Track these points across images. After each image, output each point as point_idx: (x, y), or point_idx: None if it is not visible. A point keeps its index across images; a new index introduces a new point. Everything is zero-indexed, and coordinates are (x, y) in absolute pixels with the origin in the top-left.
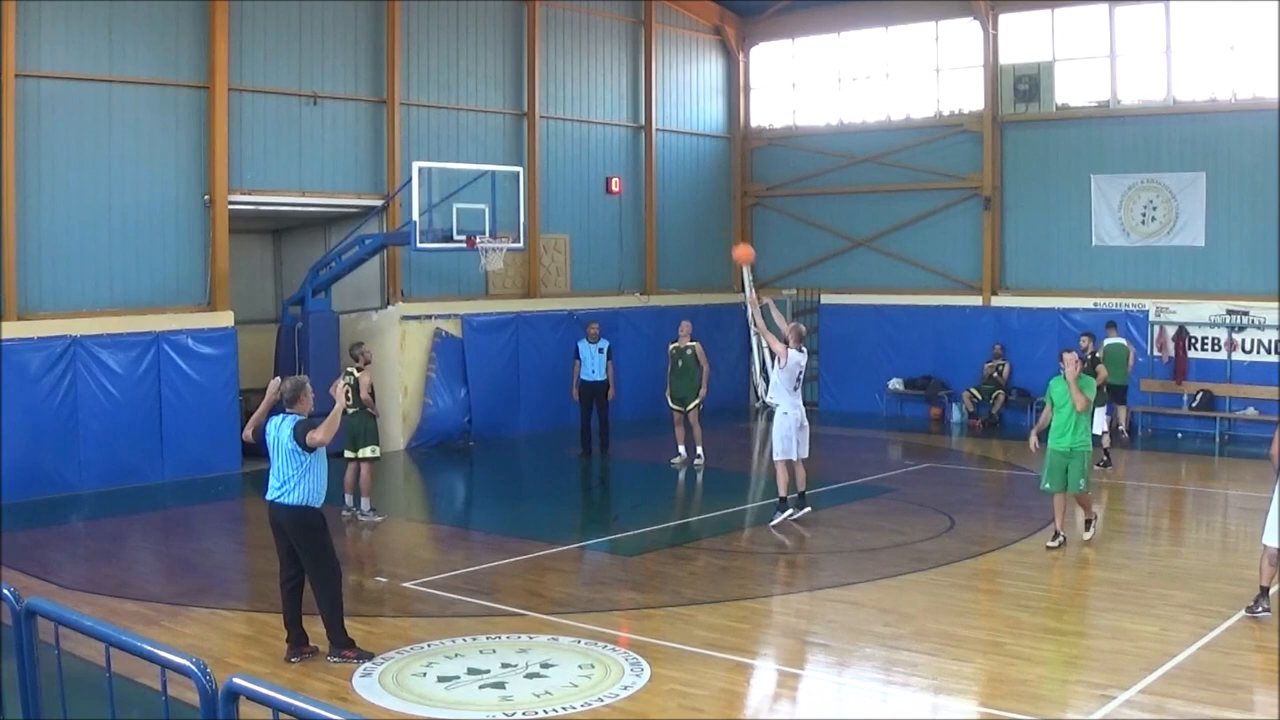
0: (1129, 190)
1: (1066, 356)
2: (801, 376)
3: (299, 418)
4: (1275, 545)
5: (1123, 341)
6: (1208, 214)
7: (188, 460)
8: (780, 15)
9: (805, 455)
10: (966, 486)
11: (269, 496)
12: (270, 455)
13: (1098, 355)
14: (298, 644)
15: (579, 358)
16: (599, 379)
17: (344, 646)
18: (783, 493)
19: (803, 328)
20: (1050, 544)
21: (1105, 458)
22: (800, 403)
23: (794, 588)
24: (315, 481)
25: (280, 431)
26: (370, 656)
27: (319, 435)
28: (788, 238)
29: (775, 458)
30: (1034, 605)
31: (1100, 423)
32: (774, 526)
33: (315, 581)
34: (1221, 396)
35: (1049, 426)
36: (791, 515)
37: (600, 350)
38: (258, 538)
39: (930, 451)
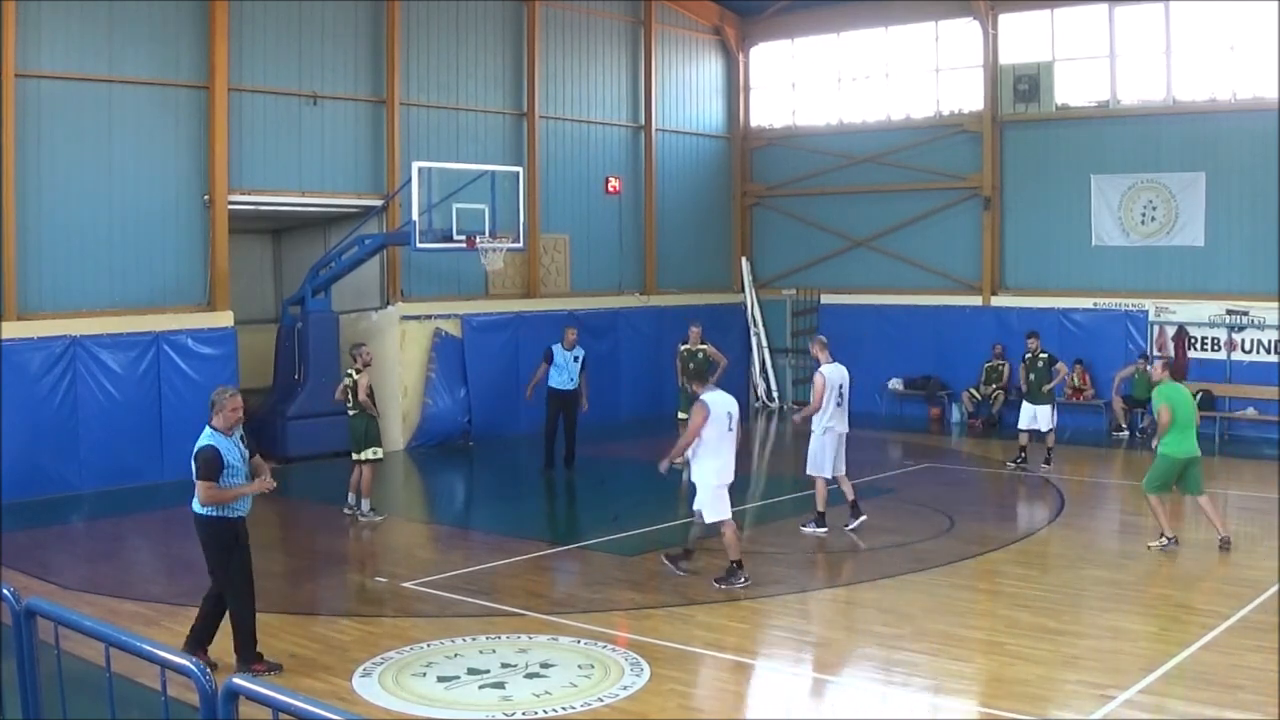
0: (1129, 190)
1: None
2: (844, 388)
3: (209, 441)
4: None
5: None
6: (1208, 214)
7: (188, 460)
8: (780, 15)
9: (841, 471)
10: (966, 486)
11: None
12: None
13: (1045, 355)
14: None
15: (550, 362)
16: (571, 388)
17: (252, 661)
18: (820, 508)
19: (823, 337)
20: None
21: (1043, 455)
22: (843, 423)
23: (794, 588)
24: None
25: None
26: (279, 668)
27: (202, 494)
28: (788, 238)
29: (818, 474)
30: (1034, 605)
31: (1047, 420)
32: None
33: (225, 593)
34: (1221, 396)
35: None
36: (851, 526)
37: (576, 358)
38: (258, 538)
39: (930, 451)
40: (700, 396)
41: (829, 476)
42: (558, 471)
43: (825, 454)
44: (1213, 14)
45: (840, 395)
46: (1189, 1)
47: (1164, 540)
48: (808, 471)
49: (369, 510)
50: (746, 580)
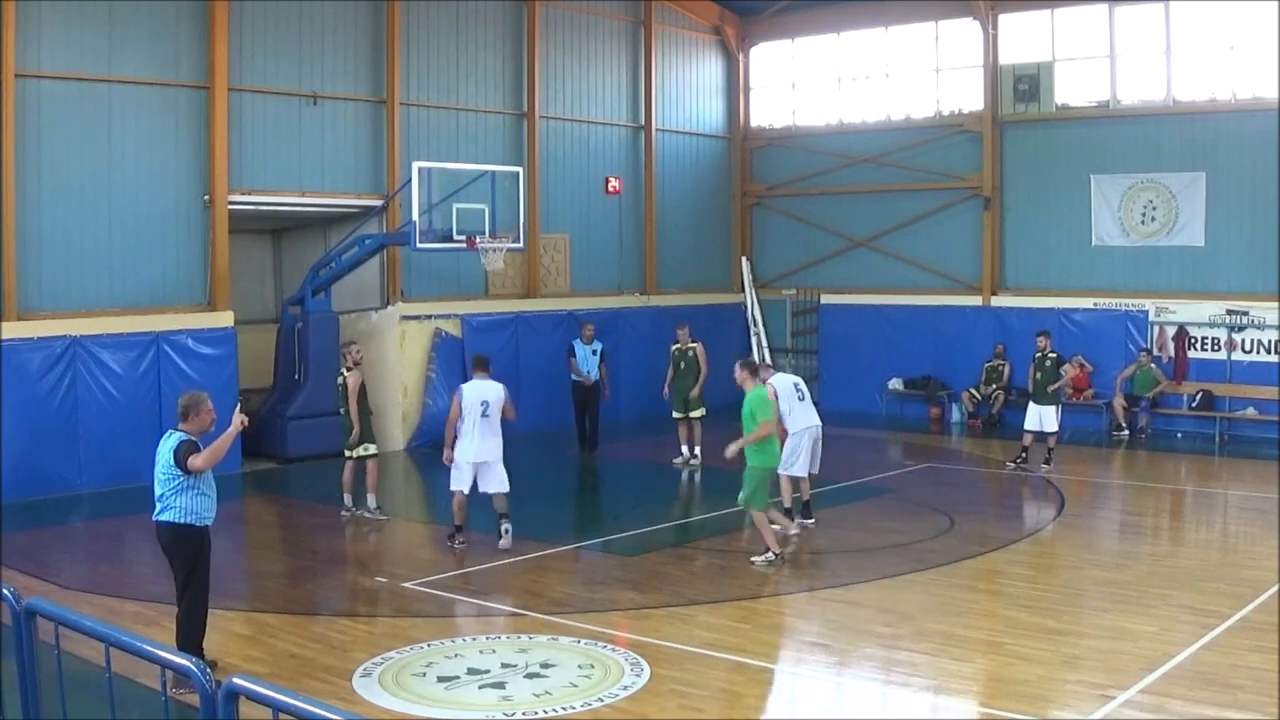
0: (1129, 190)
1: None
2: (799, 385)
3: (185, 436)
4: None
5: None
6: (1208, 214)
7: None
8: (780, 15)
9: (815, 471)
10: (966, 486)
11: (153, 515)
12: (154, 470)
13: (1054, 355)
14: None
15: (574, 356)
16: (592, 380)
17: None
18: (786, 503)
19: (762, 361)
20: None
21: (1043, 455)
22: (810, 416)
23: (794, 588)
24: (196, 500)
25: (162, 448)
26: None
27: (198, 462)
28: (788, 238)
29: (785, 472)
30: (1034, 605)
31: (1052, 421)
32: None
33: (184, 599)
34: (1221, 396)
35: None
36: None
37: (594, 352)
38: (258, 538)
39: (930, 451)
40: (462, 385)
41: (803, 475)
42: (571, 463)
43: (796, 454)
44: (1213, 14)
45: (800, 392)
46: (1189, 1)
47: (782, 551)
48: (778, 470)
49: (375, 508)
50: (462, 543)
